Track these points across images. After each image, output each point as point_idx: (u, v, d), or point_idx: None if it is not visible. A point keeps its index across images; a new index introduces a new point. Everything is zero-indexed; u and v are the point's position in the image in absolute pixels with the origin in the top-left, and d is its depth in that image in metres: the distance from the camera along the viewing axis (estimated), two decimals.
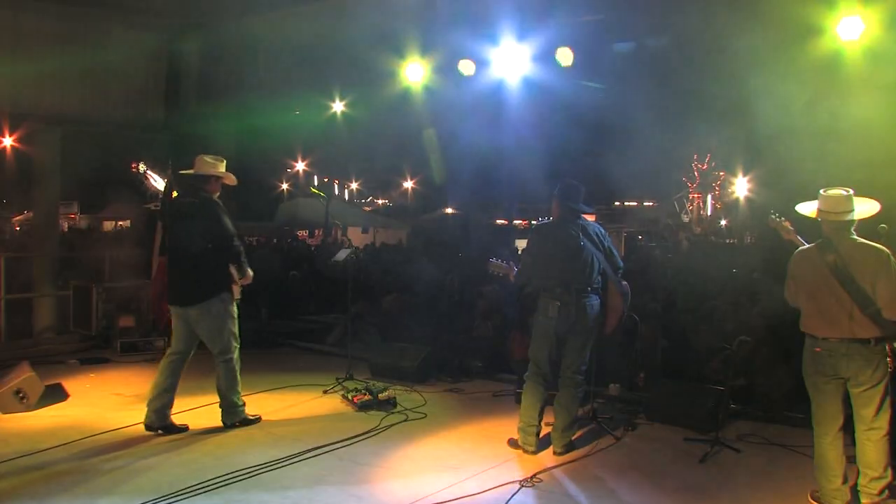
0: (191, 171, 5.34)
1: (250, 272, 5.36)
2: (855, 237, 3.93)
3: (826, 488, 3.95)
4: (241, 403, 5.43)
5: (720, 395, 5.40)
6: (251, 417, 5.49)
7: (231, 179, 5.45)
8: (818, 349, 3.94)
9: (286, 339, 9.05)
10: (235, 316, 5.35)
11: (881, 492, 3.86)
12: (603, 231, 5.00)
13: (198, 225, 5.12)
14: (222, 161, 5.37)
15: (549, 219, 5.24)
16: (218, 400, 5.44)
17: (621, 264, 5.04)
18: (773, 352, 6.19)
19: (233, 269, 5.23)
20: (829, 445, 3.94)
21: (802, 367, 4.08)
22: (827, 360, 3.91)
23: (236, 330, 5.38)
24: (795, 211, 4.19)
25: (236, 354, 5.38)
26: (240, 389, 5.43)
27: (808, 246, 4.12)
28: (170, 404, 5.23)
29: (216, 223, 5.13)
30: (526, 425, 4.89)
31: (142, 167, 6.01)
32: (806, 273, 4.03)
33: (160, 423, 5.14)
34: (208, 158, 5.30)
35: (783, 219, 4.41)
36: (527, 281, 5.17)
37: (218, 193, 5.36)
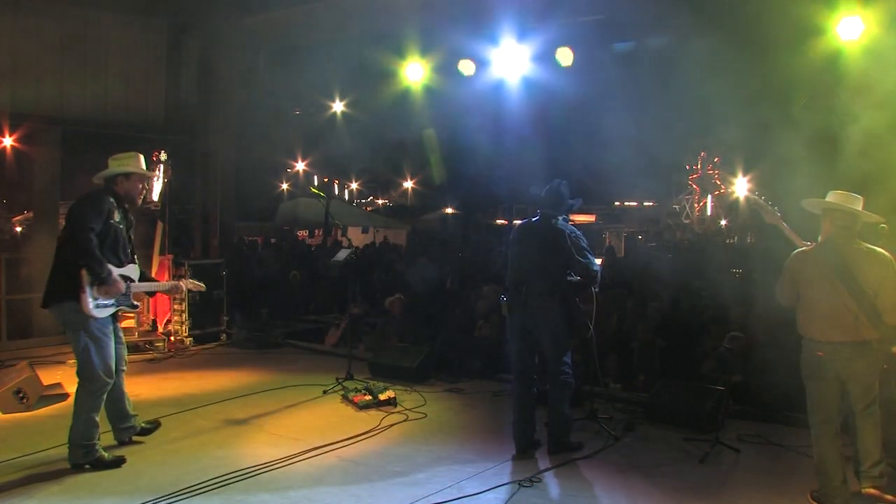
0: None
1: (112, 276, 4.38)
2: (860, 242, 3.93)
3: (827, 487, 3.96)
4: (95, 441, 4.47)
5: (720, 395, 5.41)
6: (108, 459, 4.49)
7: (143, 173, 4.77)
8: (821, 353, 3.92)
9: (286, 339, 9.06)
10: (105, 335, 4.45)
11: (882, 475, 3.90)
12: (576, 234, 4.85)
13: (69, 216, 4.43)
14: (131, 156, 4.72)
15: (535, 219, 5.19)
16: (221, 398, 5.36)
17: (594, 269, 4.82)
18: (772, 351, 6.19)
19: (83, 273, 4.28)
20: (829, 445, 3.95)
21: (801, 370, 4.07)
22: (829, 364, 3.90)
23: (109, 354, 4.47)
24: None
25: (101, 387, 4.45)
26: (97, 434, 4.49)
27: (806, 248, 4.10)
28: (124, 418, 4.89)
29: (75, 211, 4.39)
30: (514, 423, 4.90)
31: (163, 156, 5.67)
32: (808, 275, 4.00)
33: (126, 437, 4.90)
34: (116, 156, 4.72)
35: (770, 203, 4.34)
36: None
37: (136, 191, 4.74)
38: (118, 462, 4.50)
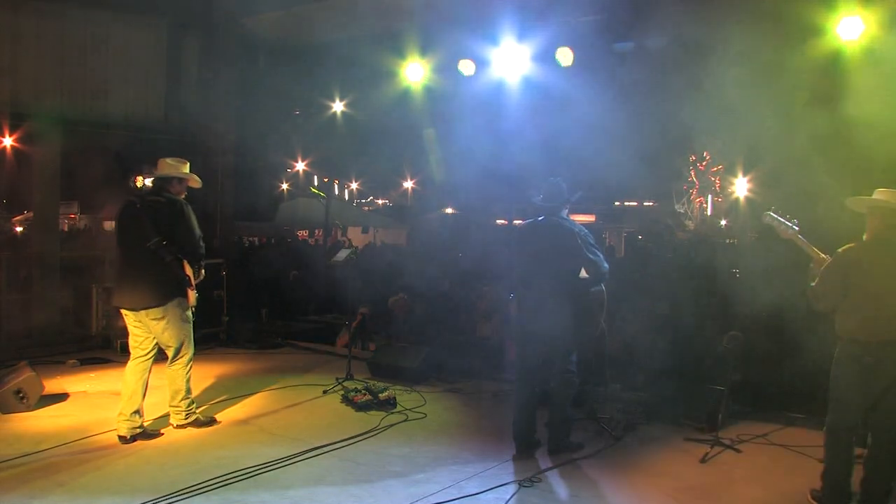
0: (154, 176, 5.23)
1: (203, 273, 5.26)
2: None
3: (832, 493, 3.87)
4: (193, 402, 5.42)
5: (720, 394, 5.41)
6: (204, 419, 5.40)
7: (195, 181, 5.34)
8: (870, 359, 3.73)
9: (286, 339, 9.06)
10: (190, 320, 5.20)
11: None
12: (584, 232, 4.83)
13: (162, 224, 4.97)
14: (185, 163, 5.27)
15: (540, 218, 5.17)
16: (221, 398, 5.43)
17: (604, 267, 4.81)
18: (771, 351, 6.20)
19: (189, 272, 5.06)
20: (845, 453, 3.84)
21: (838, 377, 3.88)
22: (877, 371, 3.72)
23: (191, 332, 5.22)
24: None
25: (190, 356, 5.26)
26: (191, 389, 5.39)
27: (853, 245, 3.93)
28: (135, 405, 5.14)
29: (183, 221, 5.03)
30: (515, 423, 4.91)
31: (139, 183, 5.87)
32: (862, 271, 3.83)
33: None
34: (170, 161, 5.21)
35: (788, 217, 4.22)
36: None
37: (183, 195, 5.24)
38: (212, 421, 5.39)
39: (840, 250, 3.96)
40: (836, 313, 3.93)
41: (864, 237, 3.97)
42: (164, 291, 4.97)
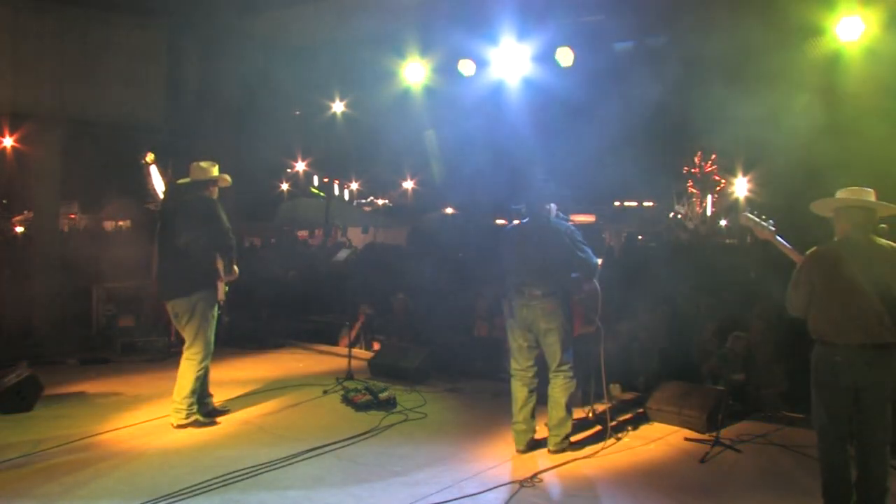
0: (187, 180, 5.47)
1: (236, 269, 5.44)
2: (879, 239, 3.74)
3: (831, 492, 3.79)
4: (196, 404, 5.47)
5: (720, 394, 5.41)
6: (204, 420, 5.45)
7: (226, 181, 5.56)
8: (839, 358, 3.66)
9: (286, 339, 9.05)
10: (215, 316, 5.39)
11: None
12: (571, 230, 4.85)
13: (194, 222, 5.23)
14: (215, 164, 5.50)
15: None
16: (221, 398, 5.50)
17: (594, 262, 4.85)
18: (773, 350, 6.20)
19: (220, 266, 5.25)
20: (839, 457, 3.75)
21: (813, 378, 3.81)
22: (846, 371, 3.64)
23: (212, 334, 5.39)
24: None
25: (208, 359, 5.42)
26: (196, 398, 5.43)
27: (821, 247, 3.85)
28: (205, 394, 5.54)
29: (213, 218, 5.27)
30: (514, 423, 4.92)
31: (150, 158, 6.07)
32: (827, 274, 3.74)
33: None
34: (202, 164, 5.46)
35: (764, 217, 4.10)
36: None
37: (215, 195, 5.50)
38: (213, 422, 5.36)
39: (807, 252, 3.87)
40: (809, 315, 3.83)
41: (835, 238, 3.87)
42: (192, 284, 5.21)
